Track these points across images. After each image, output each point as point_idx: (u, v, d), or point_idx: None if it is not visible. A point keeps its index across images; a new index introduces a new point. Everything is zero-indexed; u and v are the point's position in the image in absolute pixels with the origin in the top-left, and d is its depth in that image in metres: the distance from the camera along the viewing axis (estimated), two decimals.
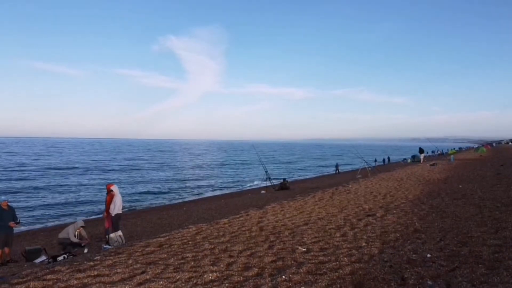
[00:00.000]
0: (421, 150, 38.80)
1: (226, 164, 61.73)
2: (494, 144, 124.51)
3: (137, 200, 25.02)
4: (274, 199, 15.17)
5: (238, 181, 38.16)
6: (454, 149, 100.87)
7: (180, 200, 25.38)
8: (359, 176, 29.48)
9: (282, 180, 25.47)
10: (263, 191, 23.94)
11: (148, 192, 28.73)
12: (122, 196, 10.34)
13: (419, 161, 49.89)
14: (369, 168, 31.17)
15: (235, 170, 51.23)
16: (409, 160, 52.24)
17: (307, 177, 42.75)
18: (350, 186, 15.92)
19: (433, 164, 28.63)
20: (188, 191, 30.25)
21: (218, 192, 30.24)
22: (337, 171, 43.39)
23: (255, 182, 33.68)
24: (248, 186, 33.49)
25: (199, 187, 32.72)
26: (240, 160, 74.49)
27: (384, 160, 61.44)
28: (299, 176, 44.15)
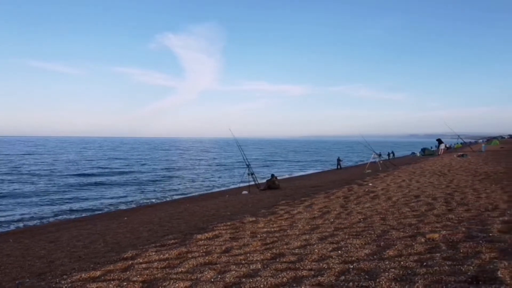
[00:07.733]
0: (440, 141, 33.04)
1: (211, 162, 55.52)
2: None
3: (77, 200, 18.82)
4: (249, 206, 9.38)
5: (220, 179, 32.21)
6: (459, 143, 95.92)
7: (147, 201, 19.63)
8: (369, 171, 23.79)
9: (270, 177, 19.41)
10: (245, 192, 18.07)
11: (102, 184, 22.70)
12: None
13: (431, 154, 44.34)
14: (381, 161, 25.36)
15: (220, 169, 45.14)
16: (418, 154, 46.46)
17: (304, 173, 36.87)
18: (370, 184, 9.91)
19: (462, 155, 22.89)
20: (155, 192, 24.32)
21: (195, 192, 24.60)
22: (339, 166, 37.58)
23: (238, 184, 27.71)
24: (231, 186, 27.50)
25: (174, 189, 26.58)
26: (226, 158, 67.61)
27: (388, 154, 55.49)
28: (291, 173, 38.02)
